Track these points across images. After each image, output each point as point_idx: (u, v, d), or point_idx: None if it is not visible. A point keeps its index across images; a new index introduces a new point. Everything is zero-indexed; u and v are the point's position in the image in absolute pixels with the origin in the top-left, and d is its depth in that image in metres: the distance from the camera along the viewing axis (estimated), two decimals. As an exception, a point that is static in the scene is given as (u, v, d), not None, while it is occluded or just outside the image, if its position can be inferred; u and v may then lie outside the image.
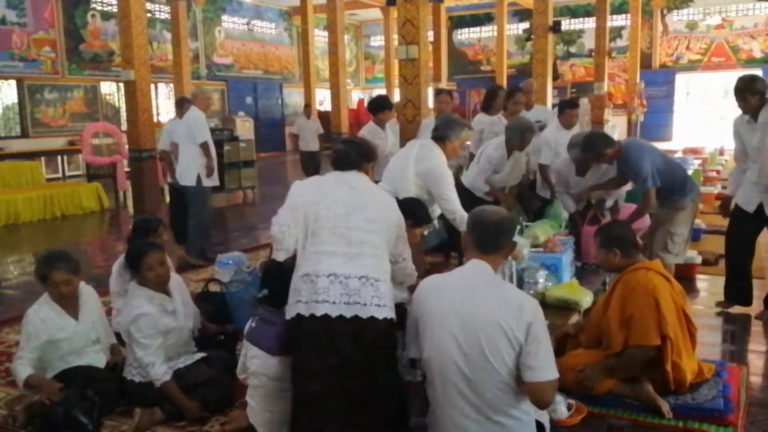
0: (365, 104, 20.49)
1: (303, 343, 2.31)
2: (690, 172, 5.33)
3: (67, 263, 2.95)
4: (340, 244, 2.29)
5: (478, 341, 2.04)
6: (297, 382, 2.38)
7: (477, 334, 2.05)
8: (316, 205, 2.35)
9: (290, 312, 2.32)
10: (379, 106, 5.69)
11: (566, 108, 5.28)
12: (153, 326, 2.88)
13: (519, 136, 4.57)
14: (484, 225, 2.22)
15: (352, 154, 2.49)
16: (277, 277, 2.49)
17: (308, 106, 11.71)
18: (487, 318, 2.04)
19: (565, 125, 5.15)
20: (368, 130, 5.61)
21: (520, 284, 3.37)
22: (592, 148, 4.05)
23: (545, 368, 2.01)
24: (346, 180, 2.44)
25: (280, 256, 2.39)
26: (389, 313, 2.29)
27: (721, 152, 11.93)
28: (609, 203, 4.71)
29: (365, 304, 2.24)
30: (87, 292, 3.10)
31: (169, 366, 2.92)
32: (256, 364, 2.53)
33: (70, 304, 2.99)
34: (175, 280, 3.18)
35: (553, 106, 8.24)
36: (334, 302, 2.23)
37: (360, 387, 2.25)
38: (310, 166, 11.05)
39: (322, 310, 2.23)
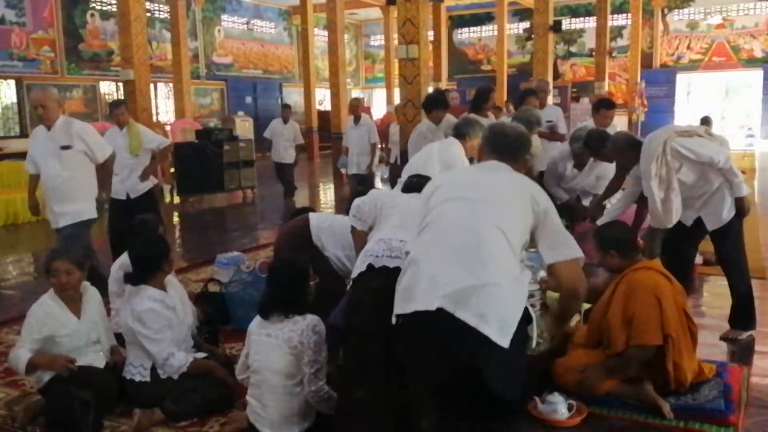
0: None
1: (365, 299, 2.46)
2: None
3: (70, 255, 2.97)
4: (410, 224, 2.52)
5: (496, 198, 2.21)
6: (352, 341, 2.50)
7: (495, 195, 2.23)
8: (392, 200, 2.92)
9: (359, 267, 2.54)
10: (434, 103, 5.35)
11: (601, 108, 5.21)
12: (159, 320, 2.88)
13: (526, 127, 4.59)
14: (505, 135, 2.40)
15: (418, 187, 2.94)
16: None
17: (287, 107, 9.96)
18: (505, 189, 2.25)
19: (601, 125, 5.07)
20: (425, 127, 5.32)
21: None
22: (594, 144, 4.04)
23: (567, 246, 2.23)
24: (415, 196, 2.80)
25: (358, 225, 2.95)
26: None
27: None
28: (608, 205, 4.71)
29: None
30: (90, 292, 3.10)
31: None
32: (259, 360, 2.54)
33: (73, 301, 2.99)
34: (169, 278, 3.17)
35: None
36: (403, 258, 2.39)
37: None
38: (282, 180, 9.72)
39: (394, 264, 2.41)
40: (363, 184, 7.78)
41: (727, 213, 3.54)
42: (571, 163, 4.59)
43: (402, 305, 2.11)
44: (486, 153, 2.39)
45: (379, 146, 8.88)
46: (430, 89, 6.71)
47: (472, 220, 2.14)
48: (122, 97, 8.85)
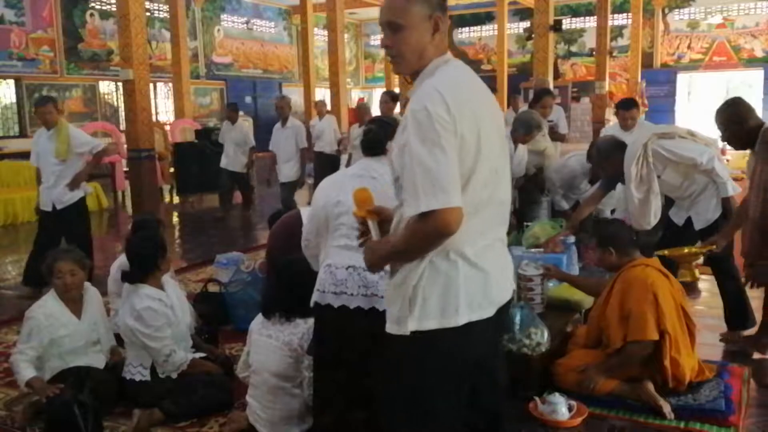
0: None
1: (324, 334, 2.33)
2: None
3: (74, 255, 2.96)
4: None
5: None
6: (320, 371, 2.38)
7: None
8: (336, 204, 2.30)
9: (313, 298, 2.33)
10: None
11: (619, 109, 5.18)
12: (159, 318, 2.89)
13: (525, 130, 4.59)
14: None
15: (383, 138, 2.33)
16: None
17: (233, 108, 8.42)
18: None
19: (622, 126, 5.06)
20: None
21: (519, 286, 3.34)
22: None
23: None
24: (370, 171, 2.32)
25: (314, 265, 2.44)
26: None
27: (723, 152, 11.90)
28: (606, 213, 4.73)
29: (382, 297, 2.20)
30: (92, 293, 3.11)
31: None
32: (259, 361, 2.52)
33: (74, 302, 2.99)
34: (166, 278, 3.17)
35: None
36: (352, 294, 2.24)
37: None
38: (226, 194, 8.34)
39: (340, 302, 2.24)
40: (293, 193, 7.22)
41: (713, 213, 3.56)
42: (587, 179, 4.62)
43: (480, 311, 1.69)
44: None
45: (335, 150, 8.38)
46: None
47: None
48: (122, 97, 8.73)
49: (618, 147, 3.76)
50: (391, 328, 1.69)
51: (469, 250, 1.63)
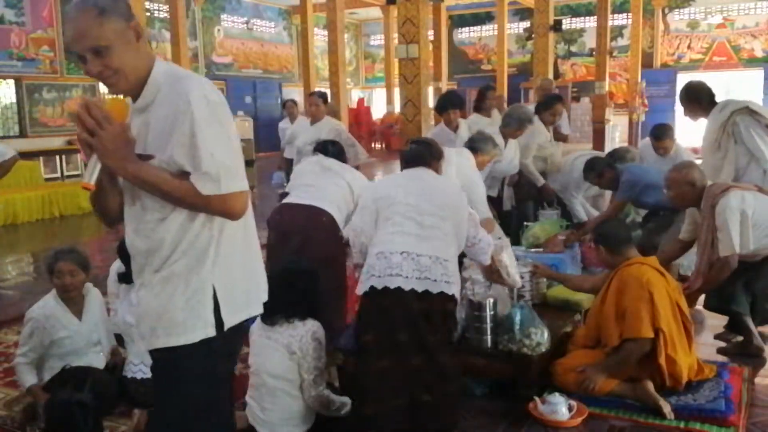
0: (364, 104, 20.39)
1: (374, 318, 2.45)
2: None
3: (75, 256, 2.97)
4: (413, 227, 2.49)
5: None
6: (366, 357, 2.47)
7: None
8: (388, 197, 2.59)
9: (363, 286, 2.48)
10: (446, 104, 4.95)
11: (651, 138, 4.85)
12: None
13: (516, 125, 4.59)
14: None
15: (425, 153, 2.75)
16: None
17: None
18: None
19: (660, 155, 4.77)
20: (432, 134, 4.98)
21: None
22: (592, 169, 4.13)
23: None
24: (417, 174, 2.68)
25: (356, 258, 2.70)
26: (456, 290, 2.48)
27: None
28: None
29: (435, 280, 2.41)
30: (93, 294, 3.10)
31: None
32: (259, 362, 2.52)
33: (75, 303, 2.99)
34: None
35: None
36: (407, 276, 2.39)
37: (423, 366, 2.40)
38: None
39: (395, 283, 2.39)
40: None
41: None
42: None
43: None
44: None
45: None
46: (430, 89, 6.70)
47: None
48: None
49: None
50: None
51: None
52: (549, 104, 5.26)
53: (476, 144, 3.96)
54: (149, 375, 2.86)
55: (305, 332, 2.49)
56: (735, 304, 3.33)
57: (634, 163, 4.63)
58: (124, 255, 3.02)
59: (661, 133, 4.78)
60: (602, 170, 4.36)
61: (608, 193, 4.91)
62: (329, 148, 3.60)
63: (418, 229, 2.47)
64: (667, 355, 2.75)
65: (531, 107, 5.49)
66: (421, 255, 2.42)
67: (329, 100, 10.98)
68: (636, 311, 2.73)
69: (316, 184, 3.38)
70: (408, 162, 2.74)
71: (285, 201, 3.43)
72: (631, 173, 4.20)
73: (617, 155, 4.70)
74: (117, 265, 3.47)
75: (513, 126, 4.60)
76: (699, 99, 3.81)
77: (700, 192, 3.26)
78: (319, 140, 3.96)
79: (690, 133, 18.02)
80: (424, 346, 2.40)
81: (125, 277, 2.97)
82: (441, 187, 2.68)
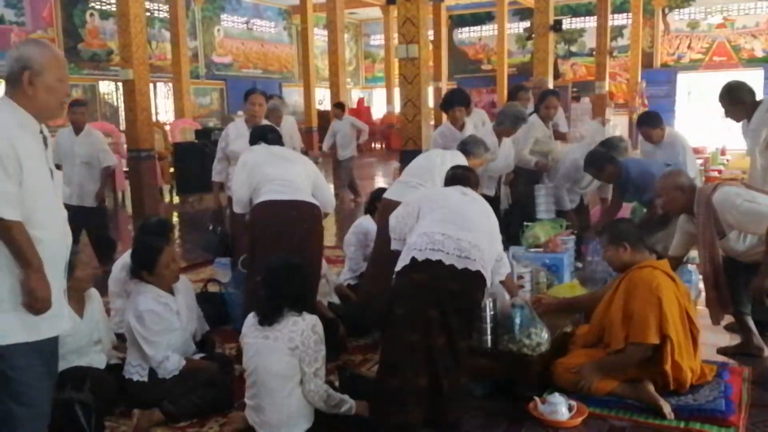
0: (364, 104, 20.37)
1: (409, 293, 2.56)
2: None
3: (79, 257, 2.98)
4: (456, 219, 2.70)
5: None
6: (397, 330, 2.55)
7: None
8: (434, 199, 2.89)
9: (403, 261, 2.62)
10: (451, 101, 4.86)
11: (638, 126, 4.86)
12: (160, 323, 2.89)
13: (511, 123, 4.58)
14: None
15: (469, 176, 3.13)
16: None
17: (78, 104, 5.97)
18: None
19: (654, 142, 4.78)
20: (438, 133, 4.98)
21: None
22: (592, 163, 4.12)
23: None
24: (460, 189, 2.95)
25: (395, 245, 2.89)
26: (488, 278, 2.66)
27: (723, 152, 11.92)
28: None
29: (475, 260, 2.57)
30: (92, 292, 3.12)
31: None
32: (257, 363, 2.53)
33: (76, 301, 2.99)
34: (182, 282, 3.18)
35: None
36: (448, 252, 2.55)
37: (446, 348, 2.50)
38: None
39: (437, 257, 2.53)
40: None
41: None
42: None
43: None
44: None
45: None
46: (430, 89, 6.70)
47: None
48: (122, 97, 8.75)
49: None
50: None
51: None
52: (543, 98, 5.27)
53: (468, 147, 3.97)
54: (146, 378, 2.89)
55: (306, 326, 2.52)
56: (737, 303, 3.32)
57: (634, 156, 4.64)
58: (142, 257, 3.04)
59: (643, 122, 4.80)
60: (602, 164, 4.34)
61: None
62: (269, 136, 3.66)
63: (460, 221, 2.68)
64: (673, 361, 2.74)
65: (530, 106, 5.48)
66: (461, 239, 2.59)
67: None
68: (644, 316, 2.71)
69: (284, 177, 3.42)
70: (452, 182, 3.06)
71: (264, 199, 3.38)
72: (638, 174, 4.19)
73: (610, 144, 4.70)
74: (121, 264, 3.48)
75: (507, 125, 4.58)
76: (743, 99, 3.79)
77: (690, 195, 3.25)
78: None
79: (690, 133, 18.09)
80: (450, 327, 2.50)
81: (132, 271, 3.04)
82: (481, 202, 2.93)
